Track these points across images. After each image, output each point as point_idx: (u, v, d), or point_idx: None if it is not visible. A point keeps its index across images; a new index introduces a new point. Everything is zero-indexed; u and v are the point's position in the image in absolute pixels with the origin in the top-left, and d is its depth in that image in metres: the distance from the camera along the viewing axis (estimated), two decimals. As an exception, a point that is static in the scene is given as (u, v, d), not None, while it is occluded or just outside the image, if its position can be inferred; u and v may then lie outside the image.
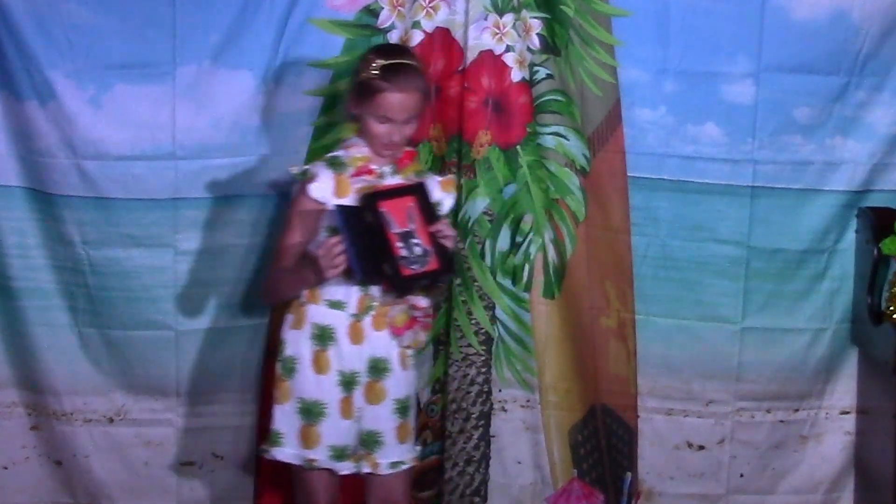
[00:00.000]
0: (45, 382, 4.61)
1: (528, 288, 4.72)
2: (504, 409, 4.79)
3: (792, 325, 4.74)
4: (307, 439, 4.04)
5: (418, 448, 4.23)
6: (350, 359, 4.04)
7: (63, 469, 4.69)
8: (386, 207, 3.92)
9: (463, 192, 4.63)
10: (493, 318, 4.74)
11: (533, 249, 4.69)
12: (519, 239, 4.68)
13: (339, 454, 4.05)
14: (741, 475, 4.84)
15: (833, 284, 4.73)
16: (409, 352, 4.11)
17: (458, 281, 4.67)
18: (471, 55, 4.57)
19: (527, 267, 4.70)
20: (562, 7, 4.57)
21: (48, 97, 4.41)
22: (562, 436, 4.79)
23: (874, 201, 4.66)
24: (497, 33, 4.58)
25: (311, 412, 4.03)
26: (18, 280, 4.55)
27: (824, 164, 4.66)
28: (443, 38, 4.57)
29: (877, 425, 4.67)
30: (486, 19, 4.57)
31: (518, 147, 4.65)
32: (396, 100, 3.96)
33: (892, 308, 4.55)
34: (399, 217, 3.93)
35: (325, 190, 3.99)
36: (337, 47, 4.54)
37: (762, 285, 4.71)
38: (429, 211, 3.98)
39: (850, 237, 4.70)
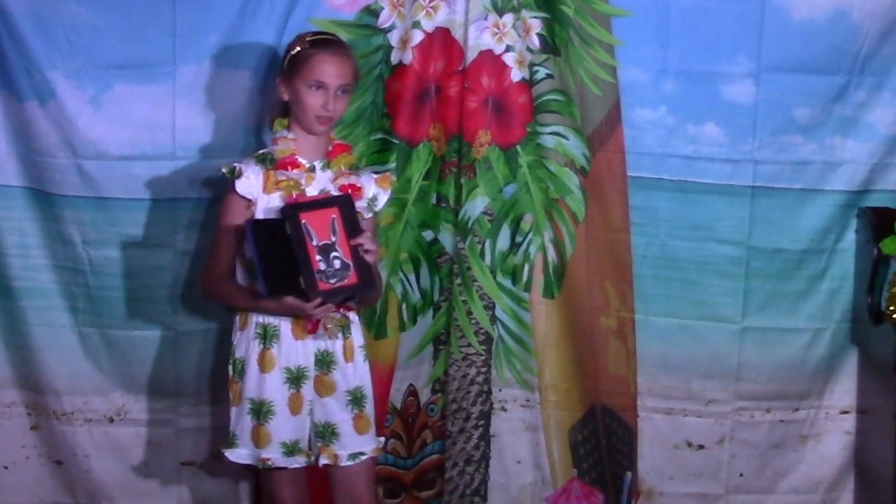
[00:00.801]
0: (46, 382, 4.60)
1: (527, 288, 4.73)
2: (504, 409, 4.80)
3: (792, 324, 4.74)
4: (259, 439, 4.06)
5: (381, 439, 4.22)
6: (295, 355, 4.05)
7: (63, 469, 4.69)
8: (307, 219, 3.90)
9: (463, 191, 4.63)
10: (493, 318, 4.74)
11: (533, 249, 4.69)
12: (519, 239, 4.69)
13: (290, 450, 4.07)
14: (741, 475, 4.84)
15: (833, 284, 4.73)
16: (358, 344, 4.12)
17: (458, 281, 4.67)
18: (471, 55, 4.57)
19: (526, 267, 4.70)
20: (562, 7, 4.57)
21: (48, 97, 4.40)
22: (562, 435, 4.80)
23: (874, 201, 4.66)
24: (497, 33, 4.58)
25: (260, 412, 4.04)
26: (18, 280, 4.55)
27: (824, 164, 4.66)
28: (443, 38, 4.56)
29: (877, 425, 4.67)
30: (486, 19, 4.58)
31: (518, 147, 4.65)
32: (328, 62, 4.01)
33: (892, 308, 4.55)
34: (320, 229, 3.91)
35: (253, 186, 4.03)
36: (336, 47, 4.54)
37: (762, 285, 4.71)
38: (352, 224, 3.96)
39: (850, 237, 4.70)
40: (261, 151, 4.10)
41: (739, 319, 4.74)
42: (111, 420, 4.66)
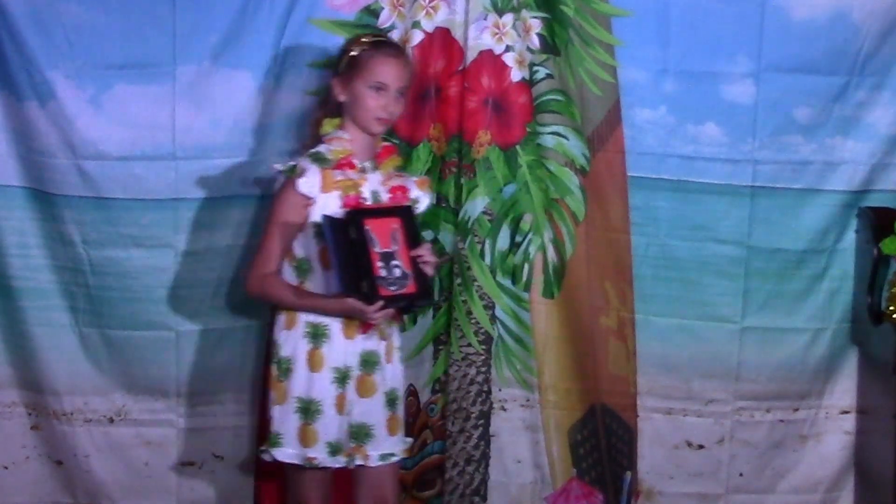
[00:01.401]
0: (46, 382, 4.60)
1: (527, 287, 4.72)
2: (504, 409, 4.80)
3: (792, 324, 4.74)
4: (306, 438, 4.05)
5: (409, 440, 4.24)
6: (343, 354, 4.05)
7: (63, 469, 4.69)
8: (371, 226, 3.92)
9: (463, 191, 4.63)
10: (493, 318, 4.74)
11: (532, 249, 4.69)
12: (518, 239, 4.68)
13: (334, 450, 4.06)
14: (741, 474, 4.84)
15: (833, 284, 4.73)
16: (396, 345, 4.14)
17: (458, 281, 4.67)
18: (471, 55, 4.57)
19: (526, 266, 4.70)
20: (561, 7, 4.57)
21: (48, 97, 4.40)
22: (561, 435, 4.80)
23: (874, 201, 4.66)
24: (497, 33, 4.58)
25: (308, 411, 4.03)
26: (18, 280, 4.55)
27: (824, 163, 4.66)
28: (443, 38, 4.56)
29: (876, 425, 4.67)
30: (485, 19, 4.57)
31: (518, 147, 4.65)
32: (390, 64, 4.03)
33: (892, 308, 4.55)
34: (382, 237, 3.93)
35: (313, 185, 4.01)
36: (337, 47, 4.53)
37: (762, 285, 4.71)
38: (413, 234, 3.99)
39: (850, 237, 4.70)
40: (312, 150, 4.07)
41: (739, 319, 4.73)
42: (111, 420, 4.66)
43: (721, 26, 4.58)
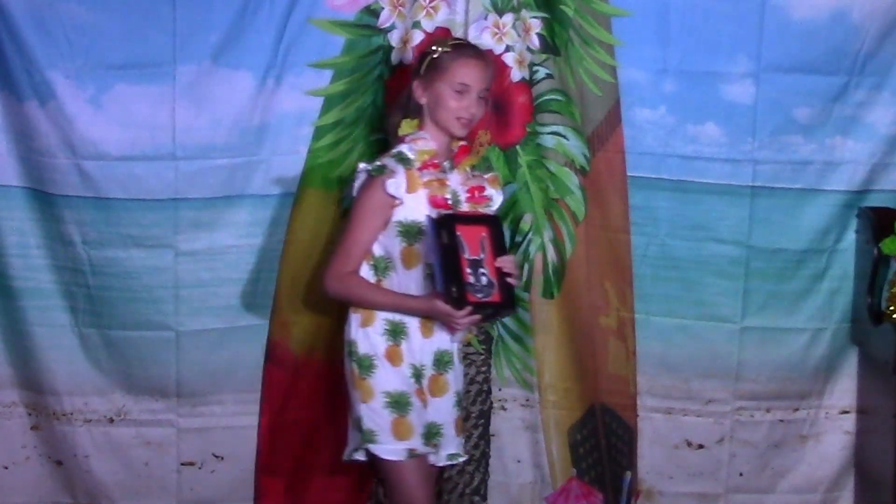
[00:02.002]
0: (46, 382, 4.61)
1: (527, 287, 4.72)
2: (504, 408, 4.80)
3: (791, 324, 4.74)
4: (401, 431, 4.03)
5: (462, 440, 4.24)
6: (420, 353, 4.06)
7: (63, 469, 4.69)
8: (461, 231, 3.92)
9: (463, 191, 4.63)
10: (494, 318, 4.74)
11: (532, 249, 4.69)
12: (518, 239, 4.68)
13: (425, 442, 4.07)
14: (740, 474, 4.84)
15: (833, 284, 4.73)
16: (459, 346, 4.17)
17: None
18: (471, 55, 4.57)
19: (526, 266, 4.70)
20: (561, 7, 4.57)
21: (48, 97, 4.41)
22: (561, 435, 4.80)
23: (874, 201, 4.67)
24: (497, 33, 4.58)
25: (399, 403, 4.02)
26: (18, 280, 4.56)
27: (824, 163, 4.66)
28: (443, 38, 4.57)
29: (876, 425, 4.68)
30: (486, 19, 4.57)
31: (518, 147, 4.65)
32: (472, 66, 4.03)
33: (892, 308, 4.55)
34: (472, 243, 3.93)
35: (400, 186, 4.00)
36: (337, 47, 4.54)
37: (762, 285, 4.71)
38: (499, 244, 3.99)
39: (850, 237, 4.70)
40: (397, 151, 4.05)
41: (739, 319, 4.74)
42: (111, 420, 4.66)
43: (721, 26, 4.58)
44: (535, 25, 4.60)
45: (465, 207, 4.07)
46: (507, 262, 3.97)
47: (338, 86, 4.55)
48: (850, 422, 4.83)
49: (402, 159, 4.03)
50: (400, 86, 4.54)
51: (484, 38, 4.56)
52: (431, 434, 4.09)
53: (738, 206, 4.66)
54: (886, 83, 4.62)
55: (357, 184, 4.06)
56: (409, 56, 4.53)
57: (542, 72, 4.62)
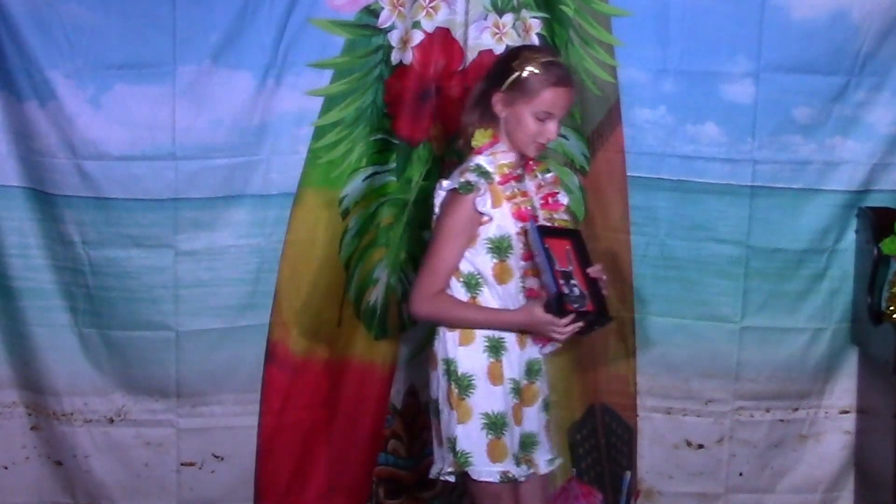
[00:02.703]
0: (45, 382, 4.61)
1: (526, 287, 4.72)
2: (504, 409, 4.79)
3: (791, 324, 4.74)
4: (496, 453, 3.99)
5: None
6: (518, 366, 4.03)
7: (63, 469, 4.69)
8: (549, 244, 3.92)
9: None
10: (494, 318, 4.73)
11: (533, 249, 4.69)
12: (518, 238, 4.68)
13: (517, 462, 4.03)
14: (740, 474, 4.84)
15: (833, 284, 4.73)
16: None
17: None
18: (471, 55, 4.57)
19: (526, 266, 4.70)
20: (561, 7, 4.57)
21: (48, 97, 4.40)
22: (561, 435, 4.79)
23: (874, 201, 4.66)
24: (497, 33, 4.58)
25: (496, 425, 3.97)
26: (18, 280, 4.55)
27: (824, 163, 4.66)
28: (443, 38, 4.56)
29: (876, 425, 4.67)
30: (486, 19, 4.57)
31: (518, 147, 4.65)
32: (561, 95, 3.96)
33: (891, 308, 4.55)
34: (560, 256, 3.93)
35: (488, 203, 3.94)
36: (337, 47, 4.54)
37: (761, 285, 4.71)
38: (584, 257, 3.99)
39: (850, 237, 4.70)
40: (476, 164, 3.98)
41: (739, 319, 4.73)
42: (111, 420, 4.66)
43: (720, 26, 4.58)
44: (535, 25, 4.60)
45: (540, 214, 4.04)
46: (598, 271, 3.96)
47: (338, 86, 4.55)
48: (849, 422, 4.83)
49: (483, 173, 3.96)
50: (400, 86, 4.56)
51: (484, 38, 4.57)
52: (527, 444, 4.06)
53: (737, 205, 4.66)
54: (886, 83, 4.61)
55: (439, 201, 4.00)
56: (410, 56, 4.53)
57: (542, 72, 4.62)
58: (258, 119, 4.51)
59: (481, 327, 3.98)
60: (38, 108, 4.41)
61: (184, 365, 4.60)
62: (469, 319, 3.99)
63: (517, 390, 4.02)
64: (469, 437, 3.97)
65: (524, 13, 4.58)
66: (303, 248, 4.59)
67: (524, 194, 4.01)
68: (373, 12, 4.54)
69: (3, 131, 4.47)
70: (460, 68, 4.57)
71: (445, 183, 3.99)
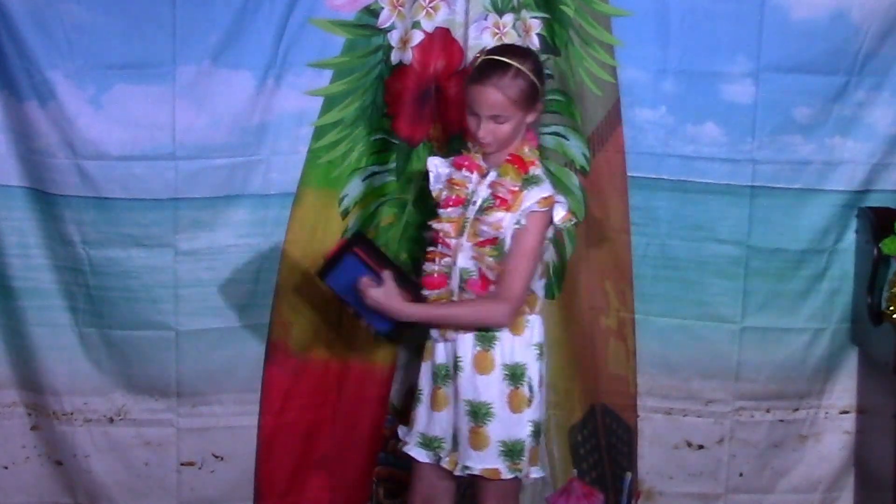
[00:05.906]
0: (45, 382, 4.61)
1: (527, 287, 4.72)
2: (504, 409, 4.79)
3: (791, 324, 4.73)
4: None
5: None
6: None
7: (63, 469, 4.69)
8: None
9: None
10: (494, 318, 4.73)
11: (533, 249, 4.69)
12: (519, 239, 4.68)
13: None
14: (740, 474, 4.84)
15: (833, 284, 4.73)
16: None
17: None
18: (471, 55, 4.56)
19: (526, 267, 4.69)
20: (561, 7, 4.57)
21: (48, 97, 4.40)
22: (561, 435, 4.80)
23: (874, 201, 4.66)
24: (497, 33, 4.58)
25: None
26: (18, 280, 4.55)
27: (824, 163, 4.65)
28: (443, 38, 4.56)
29: (876, 425, 4.68)
30: (486, 19, 4.58)
31: (518, 147, 4.65)
32: (476, 92, 4.02)
33: (892, 308, 4.55)
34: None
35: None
36: (337, 47, 4.54)
37: (762, 285, 4.71)
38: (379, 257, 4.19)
39: (850, 237, 4.70)
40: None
41: (739, 319, 4.73)
42: (111, 420, 4.66)
43: (720, 26, 4.57)
44: (535, 26, 4.60)
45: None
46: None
47: (338, 86, 4.55)
48: (849, 422, 4.82)
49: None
50: (400, 86, 4.56)
51: (484, 39, 4.57)
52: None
53: (737, 205, 4.65)
54: (886, 83, 4.61)
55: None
56: (409, 56, 4.53)
57: (542, 72, 4.63)
58: (258, 119, 4.51)
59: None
60: (38, 108, 4.41)
61: (184, 364, 4.60)
62: None
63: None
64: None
65: (524, 13, 4.58)
66: (303, 248, 4.59)
67: (459, 184, 4.12)
68: (373, 12, 4.54)
69: (3, 131, 4.47)
70: (460, 68, 4.57)
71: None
